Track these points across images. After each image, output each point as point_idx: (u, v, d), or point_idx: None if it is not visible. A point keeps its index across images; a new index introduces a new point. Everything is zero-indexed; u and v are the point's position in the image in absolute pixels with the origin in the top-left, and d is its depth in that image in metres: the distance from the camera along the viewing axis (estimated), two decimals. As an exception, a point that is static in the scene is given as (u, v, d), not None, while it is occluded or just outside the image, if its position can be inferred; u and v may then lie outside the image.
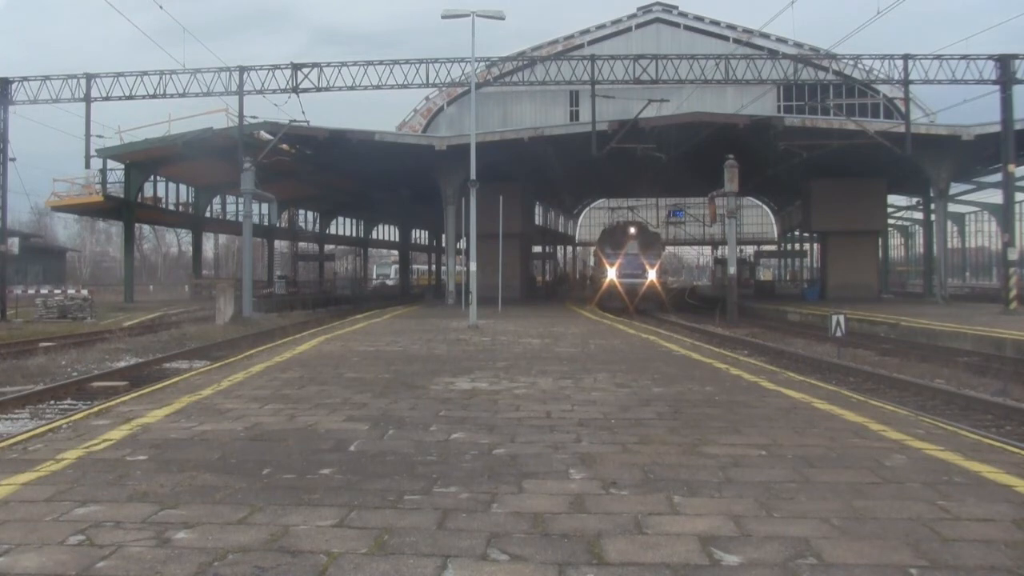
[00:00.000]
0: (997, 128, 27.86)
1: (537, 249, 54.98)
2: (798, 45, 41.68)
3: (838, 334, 16.65)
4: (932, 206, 36.28)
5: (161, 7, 24.17)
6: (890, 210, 48.73)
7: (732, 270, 29.19)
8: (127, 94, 28.87)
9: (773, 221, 68.01)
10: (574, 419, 6.74)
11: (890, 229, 54.47)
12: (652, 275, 33.00)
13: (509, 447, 5.65)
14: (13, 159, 28.29)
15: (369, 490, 4.50)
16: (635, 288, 32.30)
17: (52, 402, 11.45)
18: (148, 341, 20.44)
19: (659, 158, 31.83)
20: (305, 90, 28.96)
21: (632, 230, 35.03)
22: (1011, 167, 27.30)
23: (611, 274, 33.05)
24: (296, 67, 28.92)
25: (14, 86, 28.65)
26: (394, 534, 3.76)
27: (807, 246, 56.33)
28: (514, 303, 31.90)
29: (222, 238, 67.94)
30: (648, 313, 31.03)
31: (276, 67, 29.00)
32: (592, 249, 48.12)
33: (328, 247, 62.49)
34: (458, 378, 9.47)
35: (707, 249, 79.50)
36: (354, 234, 65.97)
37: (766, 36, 41.97)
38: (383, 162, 35.37)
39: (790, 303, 35.10)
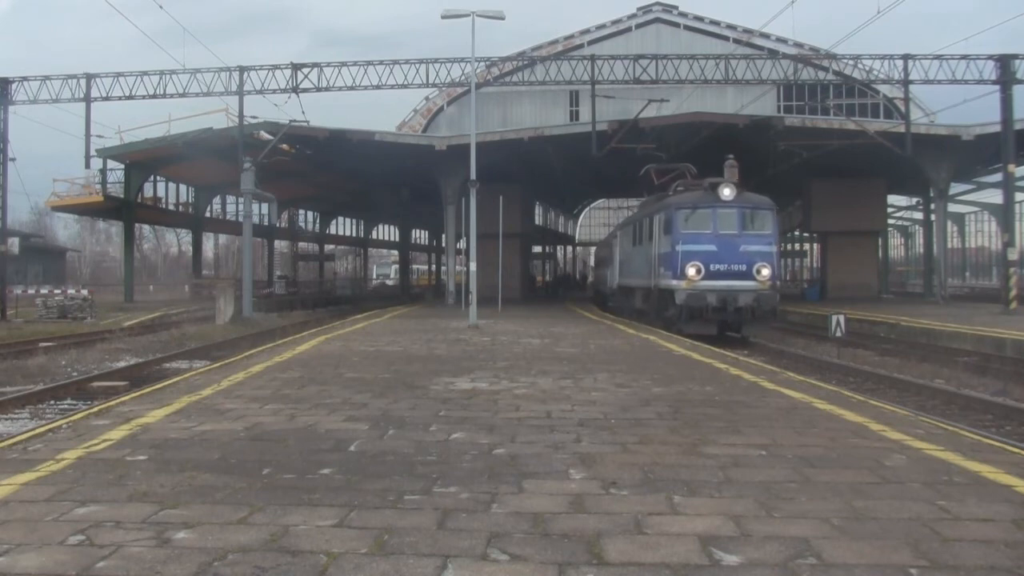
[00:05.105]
0: (997, 128, 27.88)
1: (537, 249, 54.92)
2: (798, 45, 41.67)
3: (838, 334, 16.68)
4: (932, 206, 36.32)
5: (161, 7, 24.18)
6: (890, 210, 48.79)
7: (732, 270, 29.09)
8: (127, 94, 28.89)
9: (773, 221, 67.81)
10: (574, 419, 6.73)
11: (890, 229, 54.50)
12: (767, 274, 18.74)
13: (509, 447, 5.65)
14: (13, 159, 28.30)
15: (369, 490, 4.50)
16: (736, 297, 18.46)
17: (52, 402, 11.45)
18: (148, 341, 20.44)
19: (659, 158, 31.76)
20: (305, 90, 29.00)
21: (727, 191, 19.40)
22: (1011, 167, 27.31)
23: (690, 272, 18.69)
24: (296, 67, 28.94)
25: (14, 86, 28.66)
26: (394, 534, 3.76)
27: (807, 246, 56.32)
28: (514, 303, 31.89)
29: (222, 238, 67.95)
30: (751, 344, 19.23)
31: (276, 67, 29.03)
32: (616, 234, 31.05)
33: (328, 247, 62.51)
34: (458, 378, 9.46)
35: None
36: (354, 234, 66.02)
37: (766, 36, 41.96)
38: (383, 162, 35.39)
39: (790, 303, 35.01)
